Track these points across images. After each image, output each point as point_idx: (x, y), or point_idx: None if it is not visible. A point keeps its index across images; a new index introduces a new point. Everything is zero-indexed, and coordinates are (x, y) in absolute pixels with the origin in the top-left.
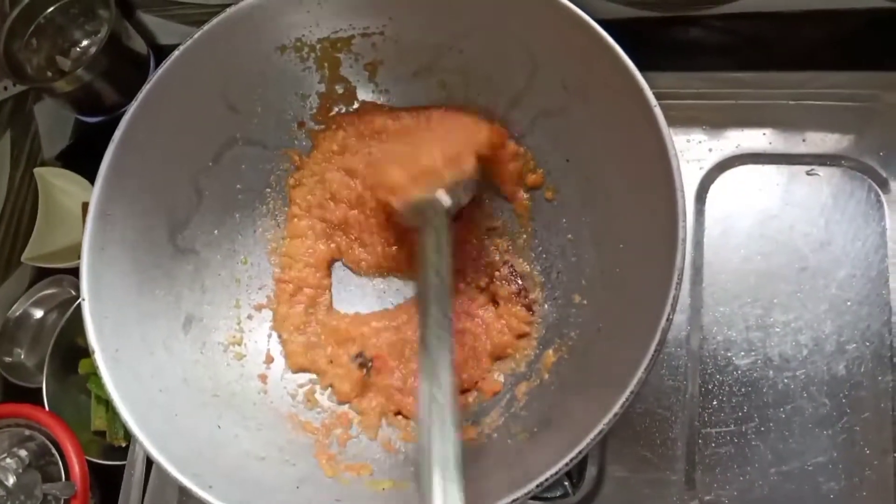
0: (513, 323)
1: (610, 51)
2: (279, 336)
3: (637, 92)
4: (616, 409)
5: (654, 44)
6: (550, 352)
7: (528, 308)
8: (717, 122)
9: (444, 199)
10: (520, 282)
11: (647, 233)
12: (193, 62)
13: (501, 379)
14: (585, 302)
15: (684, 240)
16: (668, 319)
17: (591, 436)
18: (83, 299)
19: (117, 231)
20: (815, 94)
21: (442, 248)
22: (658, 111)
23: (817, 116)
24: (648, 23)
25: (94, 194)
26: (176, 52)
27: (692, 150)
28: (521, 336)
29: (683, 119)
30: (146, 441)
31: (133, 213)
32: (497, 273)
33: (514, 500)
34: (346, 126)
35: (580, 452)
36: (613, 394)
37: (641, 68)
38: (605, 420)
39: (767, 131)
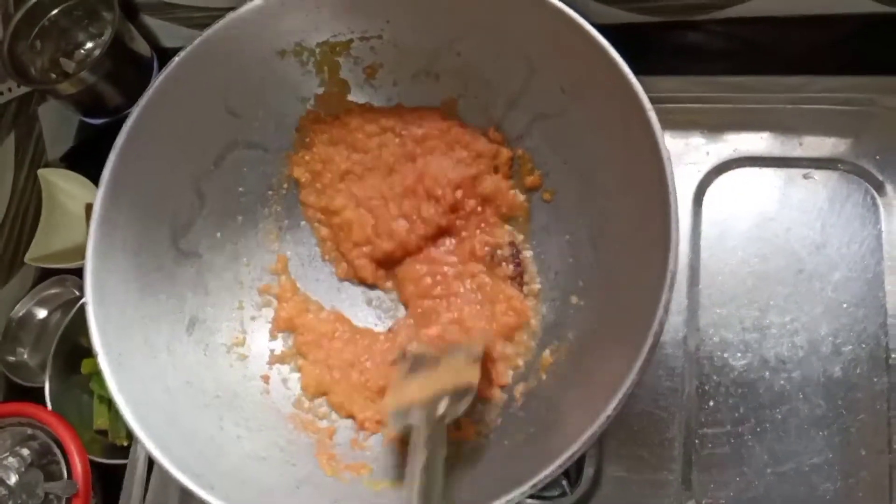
0: (514, 304)
1: (605, 54)
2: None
3: (632, 95)
4: (610, 410)
5: (654, 48)
6: (548, 353)
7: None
8: (714, 125)
9: (442, 410)
10: (518, 266)
11: (641, 235)
12: (194, 68)
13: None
14: (582, 303)
15: (677, 243)
16: (660, 322)
17: (586, 436)
18: (87, 303)
19: (120, 235)
20: (812, 98)
21: (434, 470)
22: (652, 115)
23: (814, 120)
24: (648, 28)
25: (97, 199)
26: (176, 58)
27: (690, 154)
28: (523, 321)
29: (682, 122)
30: (149, 442)
31: (136, 217)
32: (499, 252)
33: (510, 500)
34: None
35: (575, 453)
36: (608, 395)
37: (641, 73)
38: (600, 421)
39: (765, 135)
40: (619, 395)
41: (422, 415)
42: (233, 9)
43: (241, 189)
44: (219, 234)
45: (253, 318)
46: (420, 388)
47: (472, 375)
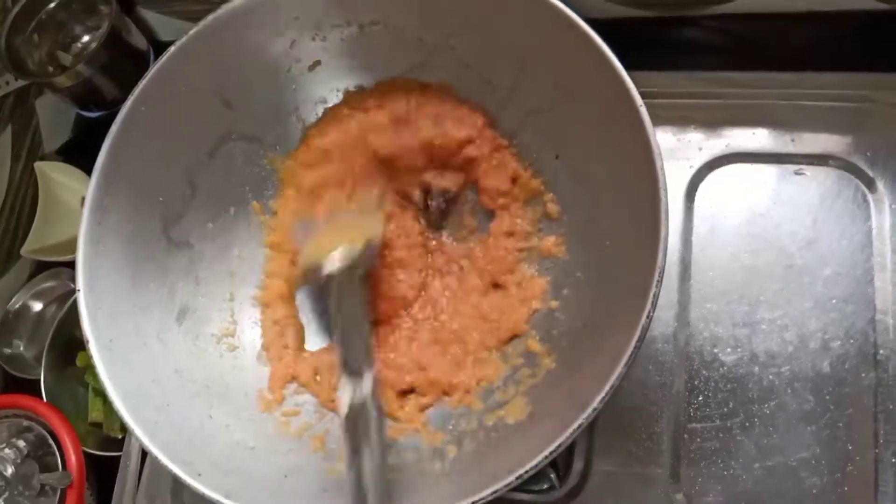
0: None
1: (596, 49)
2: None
3: (623, 91)
4: (597, 402)
5: (648, 43)
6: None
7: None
8: (707, 121)
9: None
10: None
11: (631, 230)
12: (189, 58)
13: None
14: (571, 295)
15: (666, 237)
16: (648, 316)
17: (573, 428)
18: (78, 290)
19: (112, 223)
20: (805, 95)
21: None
22: (643, 111)
23: (807, 116)
24: (642, 23)
25: (91, 187)
26: (172, 48)
27: (682, 149)
28: None
29: (674, 118)
30: (138, 430)
31: (128, 205)
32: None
33: (494, 492)
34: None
35: (562, 444)
36: (595, 388)
37: (634, 67)
38: (585, 414)
39: (757, 131)
40: (606, 388)
41: (337, 260)
42: (227, 1)
43: (234, 180)
44: (210, 225)
45: (243, 310)
46: (330, 238)
47: (376, 227)
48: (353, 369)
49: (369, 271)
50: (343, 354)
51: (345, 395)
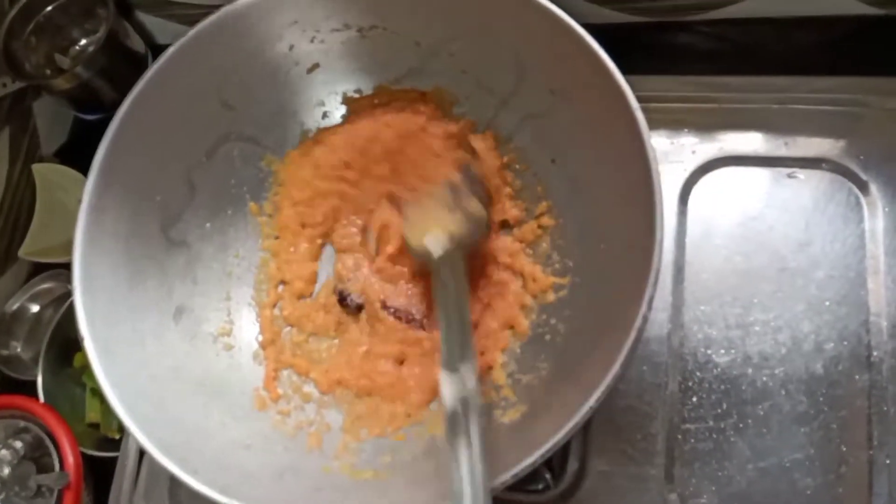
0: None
1: (593, 54)
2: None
3: (619, 95)
4: (592, 402)
5: (643, 48)
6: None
7: None
8: (702, 125)
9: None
10: None
11: (626, 233)
12: (187, 60)
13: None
14: (565, 299)
15: (661, 240)
16: (643, 317)
17: (568, 427)
18: (75, 290)
19: (110, 223)
20: (798, 99)
21: (452, 292)
22: (639, 114)
23: (800, 120)
24: (638, 28)
25: (88, 187)
26: (170, 50)
27: (677, 153)
28: None
29: (669, 122)
30: (134, 427)
31: (126, 205)
32: None
33: (491, 489)
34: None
35: (557, 443)
36: (589, 389)
37: (630, 72)
38: (580, 414)
39: (751, 134)
40: (602, 388)
41: (441, 241)
42: (226, 3)
43: (232, 181)
44: (208, 225)
45: (240, 309)
46: (436, 218)
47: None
48: (455, 364)
49: (472, 252)
50: (445, 347)
51: (447, 390)
